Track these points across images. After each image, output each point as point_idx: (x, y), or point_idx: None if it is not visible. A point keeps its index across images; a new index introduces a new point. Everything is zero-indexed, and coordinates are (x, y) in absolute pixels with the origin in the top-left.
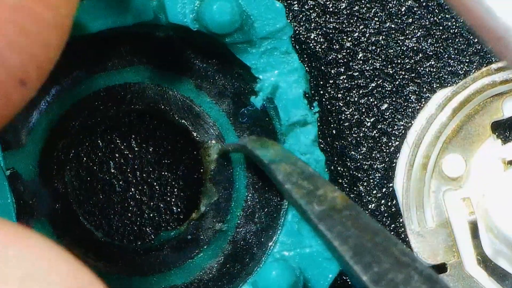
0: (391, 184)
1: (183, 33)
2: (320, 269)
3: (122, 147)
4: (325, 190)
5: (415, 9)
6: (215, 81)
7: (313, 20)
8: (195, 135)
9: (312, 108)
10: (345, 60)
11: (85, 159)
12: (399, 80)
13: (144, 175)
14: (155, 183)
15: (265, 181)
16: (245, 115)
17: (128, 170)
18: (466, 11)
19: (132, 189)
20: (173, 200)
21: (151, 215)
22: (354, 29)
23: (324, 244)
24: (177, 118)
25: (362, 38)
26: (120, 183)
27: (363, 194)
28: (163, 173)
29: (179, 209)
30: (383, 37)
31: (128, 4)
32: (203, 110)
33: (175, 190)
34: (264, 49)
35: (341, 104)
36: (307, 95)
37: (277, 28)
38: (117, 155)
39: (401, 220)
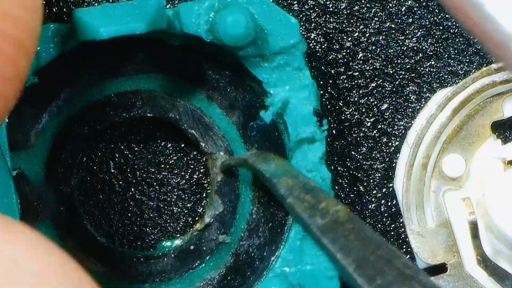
0: (391, 184)
1: (196, 43)
2: (320, 287)
3: (131, 153)
4: (328, 203)
5: (415, 9)
6: (227, 93)
7: (313, 20)
8: (203, 145)
9: (321, 125)
10: (345, 60)
11: (93, 163)
12: (399, 80)
13: (143, 175)
14: (158, 184)
15: (270, 195)
16: (254, 128)
17: (131, 174)
18: (465, 17)
19: (132, 189)
20: (178, 202)
21: (156, 217)
22: (354, 29)
23: (327, 257)
24: (186, 128)
25: (362, 38)
26: (121, 183)
27: (363, 194)
28: (165, 175)
29: (183, 212)
30: (383, 37)
31: (143, 12)
32: (213, 121)
33: (181, 197)
34: (277, 64)
35: (341, 104)
36: (317, 112)
37: (291, 44)
38: (123, 159)
39: (401, 220)
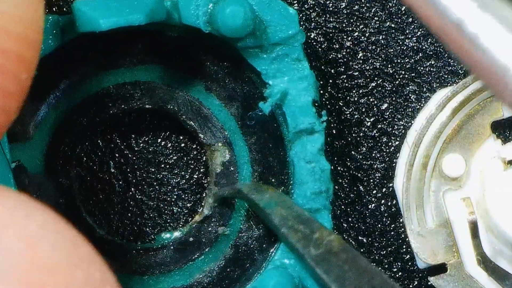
0: (391, 184)
1: (195, 34)
2: None
3: (131, 153)
4: (321, 233)
5: None
6: (225, 84)
7: (313, 19)
8: (202, 137)
9: (320, 116)
10: (345, 59)
11: (91, 155)
12: (399, 79)
13: (143, 174)
14: (158, 184)
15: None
16: (253, 118)
17: (131, 173)
18: (460, 49)
19: (132, 189)
20: (178, 201)
21: (156, 216)
22: (354, 28)
23: (322, 286)
24: (185, 119)
25: (362, 37)
26: (121, 183)
27: (363, 194)
28: (165, 175)
29: (183, 211)
30: (383, 36)
31: (142, 3)
32: (212, 113)
33: (181, 197)
34: (275, 55)
35: (341, 104)
36: (316, 103)
37: (289, 35)
38: (123, 159)
39: (401, 220)
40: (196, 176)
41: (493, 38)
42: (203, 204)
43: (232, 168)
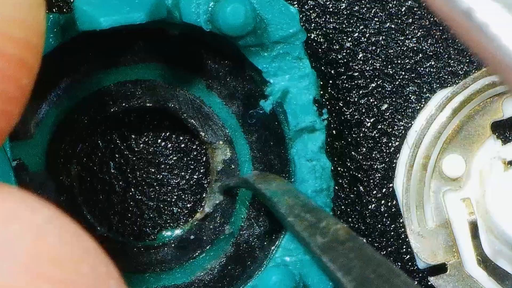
0: (391, 184)
1: (196, 33)
2: (321, 276)
3: (131, 153)
4: (328, 222)
5: (415, 9)
6: (226, 82)
7: (313, 20)
8: (203, 135)
9: (321, 115)
10: (345, 60)
11: (91, 156)
12: (399, 80)
13: (143, 175)
14: (158, 184)
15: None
16: (254, 116)
17: (131, 174)
18: (471, 40)
19: (132, 189)
20: (178, 202)
21: (156, 217)
22: (354, 29)
23: (327, 275)
24: (186, 117)
25: (362, 38)
26: (121, 183)
27: (363, 194)
28: (165, 176)
29: (183, 212)
30: (383, 37)
31: (143, 2)
32: (213, 111)
33: (181, 197)
34: (276, 53)
35: (341, 105)
36: (317, 101)
37: (290, 33)
38: (123, 160)
39: (401, 221)
40: (196, 177)
41: (502, 27)
42: (203, 204)
43: (233, 166)
